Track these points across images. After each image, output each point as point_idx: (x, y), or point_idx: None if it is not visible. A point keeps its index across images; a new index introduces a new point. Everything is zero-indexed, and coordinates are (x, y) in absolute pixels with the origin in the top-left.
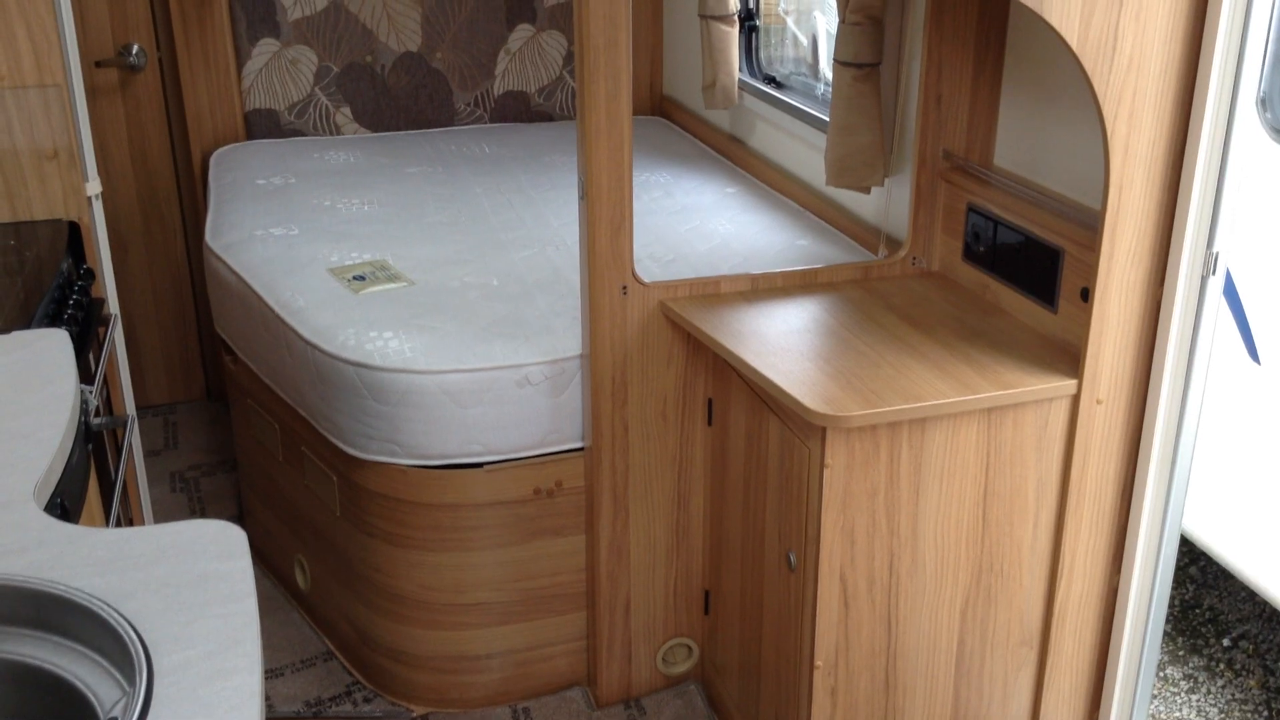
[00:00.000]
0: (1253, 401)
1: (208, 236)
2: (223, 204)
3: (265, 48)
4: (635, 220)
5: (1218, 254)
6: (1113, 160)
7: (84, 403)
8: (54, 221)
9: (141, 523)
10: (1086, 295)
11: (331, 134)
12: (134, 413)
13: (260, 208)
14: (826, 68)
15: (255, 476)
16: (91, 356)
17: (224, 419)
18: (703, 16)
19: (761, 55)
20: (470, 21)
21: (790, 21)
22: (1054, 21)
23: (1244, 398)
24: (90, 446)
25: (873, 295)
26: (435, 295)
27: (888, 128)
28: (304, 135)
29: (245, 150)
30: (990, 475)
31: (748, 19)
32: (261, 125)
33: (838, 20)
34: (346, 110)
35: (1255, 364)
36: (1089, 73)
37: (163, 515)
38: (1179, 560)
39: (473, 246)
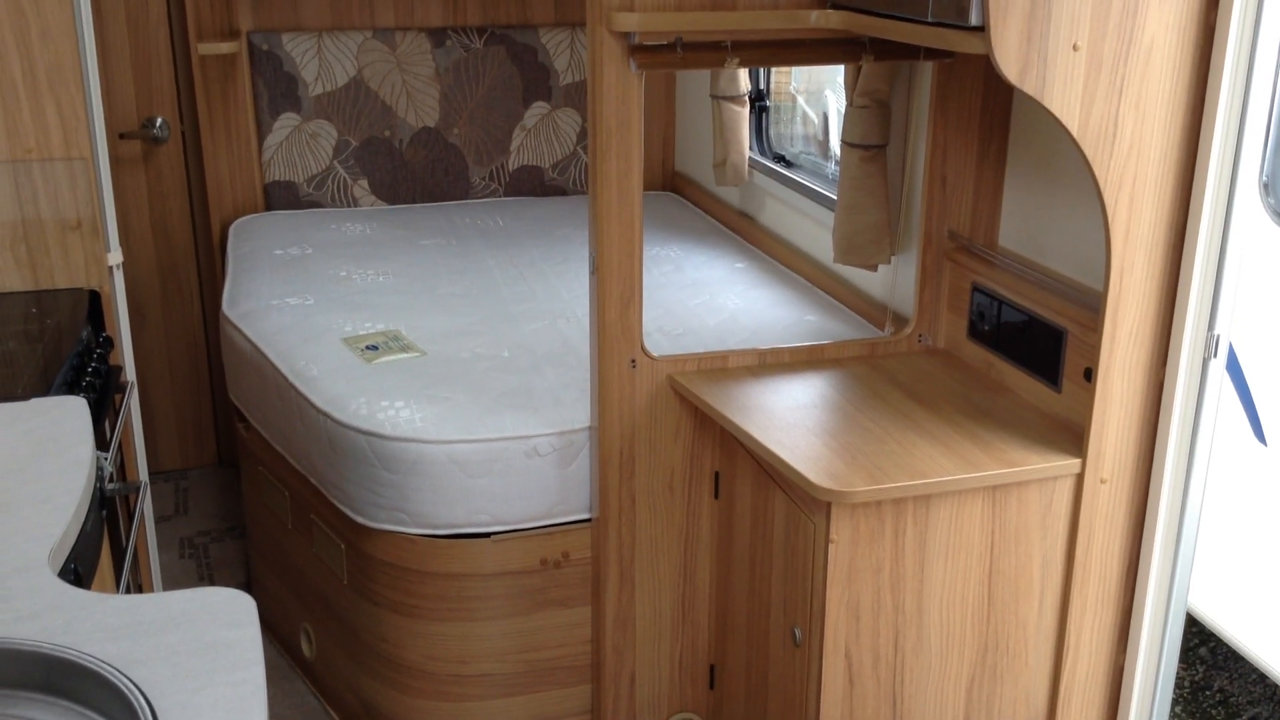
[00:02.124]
0: (1260, 481)
1: (225, 305)
2: (240, 273)
3: (286, 122)
4: (645, 294)
5: (1219, 336)
6: (1114, 244)
7: (99, 469)
8: (75, 290)
9: (151, 589)
10: (1090, 375)
11: (349, 206)
12: (147, 479)
13: (277, 277)
14: (836, 145)
15: (264, 544)
16: (108, 423)
17: (234, 485)
18: (714, 97)
19: (771, 134)
20: (487, 99)
21: (801, 100)
22: (1055, 109)
23: (1251, 477)
24: (104, 513)
25: (879, 372)
26: (447, 366)
27: (894, 207)
28: (322, 207)
29: (264, 221)
30: (995, 553)
31: (758, 99)
32: (280, 197)
33: (845, 103)
34: (364, 183)
35: (1261, 445)
36: (1090, 159)
37: (171, 582)
38: (1189, 641)
39: (484, 318)
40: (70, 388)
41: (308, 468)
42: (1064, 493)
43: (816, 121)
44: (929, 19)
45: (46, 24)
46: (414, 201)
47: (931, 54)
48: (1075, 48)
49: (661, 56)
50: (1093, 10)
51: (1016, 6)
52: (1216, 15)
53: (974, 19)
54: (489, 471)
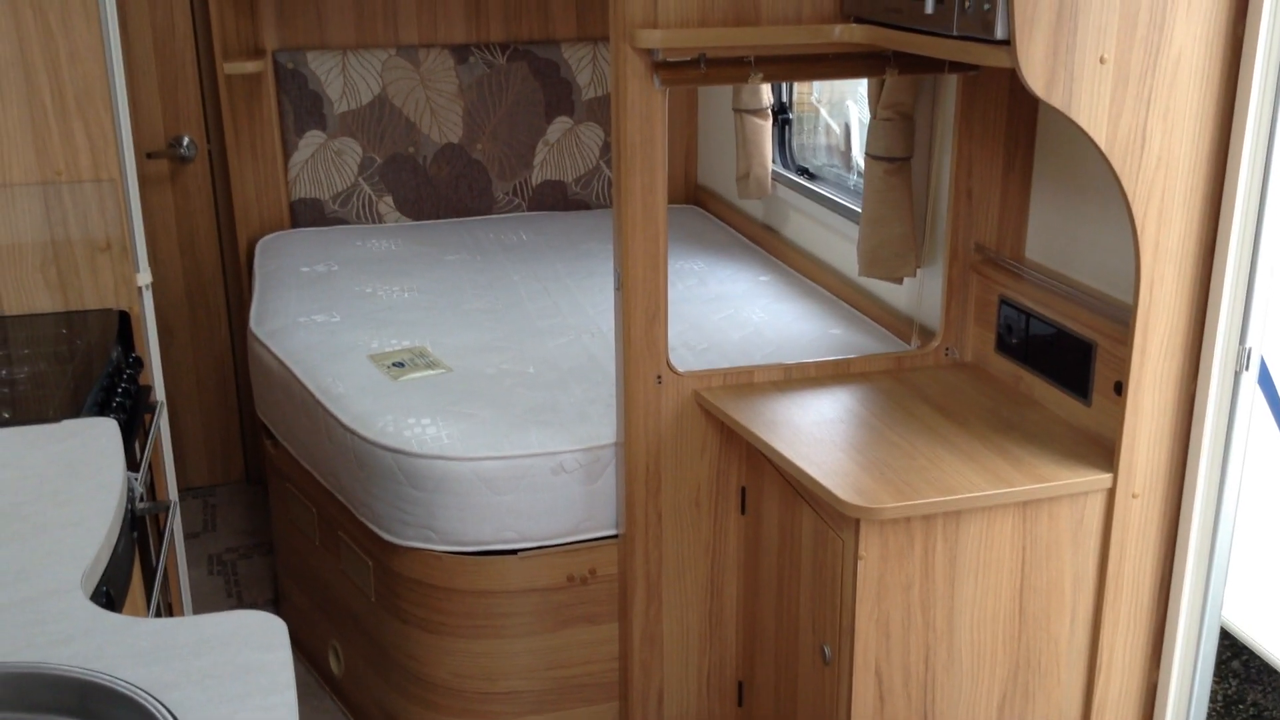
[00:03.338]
0: None
1: (252, 323)
2: (267, 291)
3: (311, 139)
4: (670, 308)
5: (1250, 349)
6: (1143, 257)
7: (130, 490)
8: (105, 311)
9: (180, 607)
10: (1120, 389)
11: (374, 222)
12: (176, 498)
13: (304, 294)
14: (859, 156)
15: (292, 561)
16: (138, 444)
17: (262, 502)
18: (737, 110)
19: (794, 147)
20: (510, 115)
21: (824, 111)
22: (1082, 122)
23: None
24: (135, 534)
25: (906, 386)
26: (472, 382)
27: (919, 220)
28: (347, 223)
29: (290, 238)
30: (1026, 569)
31: (781, 112)
32: (306, 214)
33: (869, 116)
34: (389, 199)
35: None
36: (1118, 171)
37: (200, 599)
38: (1222, 654)
39: (510, 334)
40: (101, 409)
41: (335, 485)
42: (1095, 508)
43: (839, 132)
44: (954, 33)
45: (75, 47)
46: (438, 217)
47: (956, 67)
48: (1102, 60)
49: (685, 72)
50: (1119, 22)
51: (1042, 20)
52: (1245, 26)
53: (999, 33)
54: (515, 488)
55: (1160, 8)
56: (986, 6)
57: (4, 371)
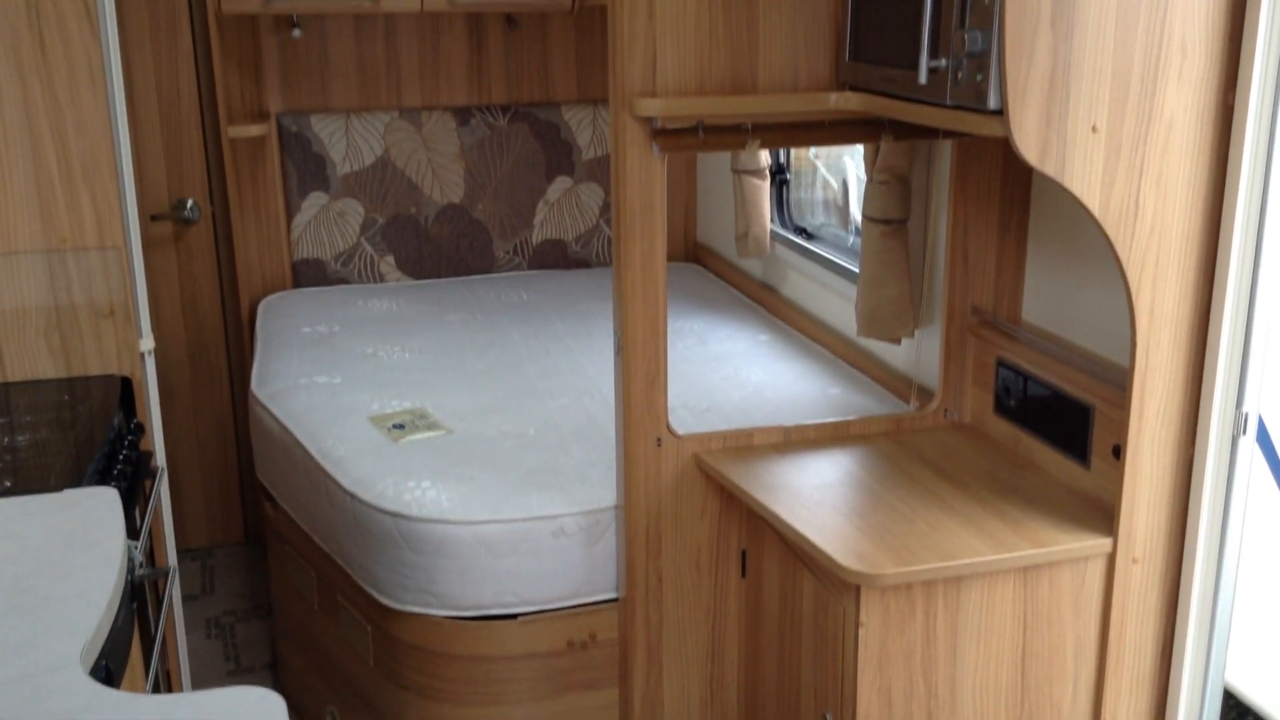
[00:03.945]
0: None
1: (253, 385)
2: (269, 352)
3: (315, 200)
4: (669, 368)
5: (1248, 414)
6: (1139, 322)
7: (129, 558)
8: (107, 377)
9: (179, 674)
10: (1118, 452)
11: (375, 281)
12: (175, 564)
13: (305, 356)
14: (856, 212)
15: (290, 624)
16: (138, 511)
17: (261, 564)
18: (735, 171)
19: (792, 207)
20: (511, 175)
21: (821, 166)
22: (1076, 190)
23: None
24: (135, 605)
25: (905, 448)
26: (473, 444)
27: (916, 281)
28: (349, 283)
29: (292, 298)
30: (1028, 635)
31: (778, 172)
32: (309, 274)
33: (866, 179)
34: (390, 259)
35: None
36: (1112, 238)
37: (198, 663)
38: (1226, 715)
39: (510, 395)
40: (102, 476)
41: (334, 548)
42: (1096, 572)
43: (836, 187)
44: (948, 102)
45: (82, 116)
46: (439, 276)
47: (950, 132)
48: (1094, 129)
49: (684, 140)
50: (1110, 92)
51: (1034, 90)
52: (1235, 94)
53: (992, 103)
54: (516, 552)
55: (1151, 77)
56: (979, 77)
57: (6, 439)
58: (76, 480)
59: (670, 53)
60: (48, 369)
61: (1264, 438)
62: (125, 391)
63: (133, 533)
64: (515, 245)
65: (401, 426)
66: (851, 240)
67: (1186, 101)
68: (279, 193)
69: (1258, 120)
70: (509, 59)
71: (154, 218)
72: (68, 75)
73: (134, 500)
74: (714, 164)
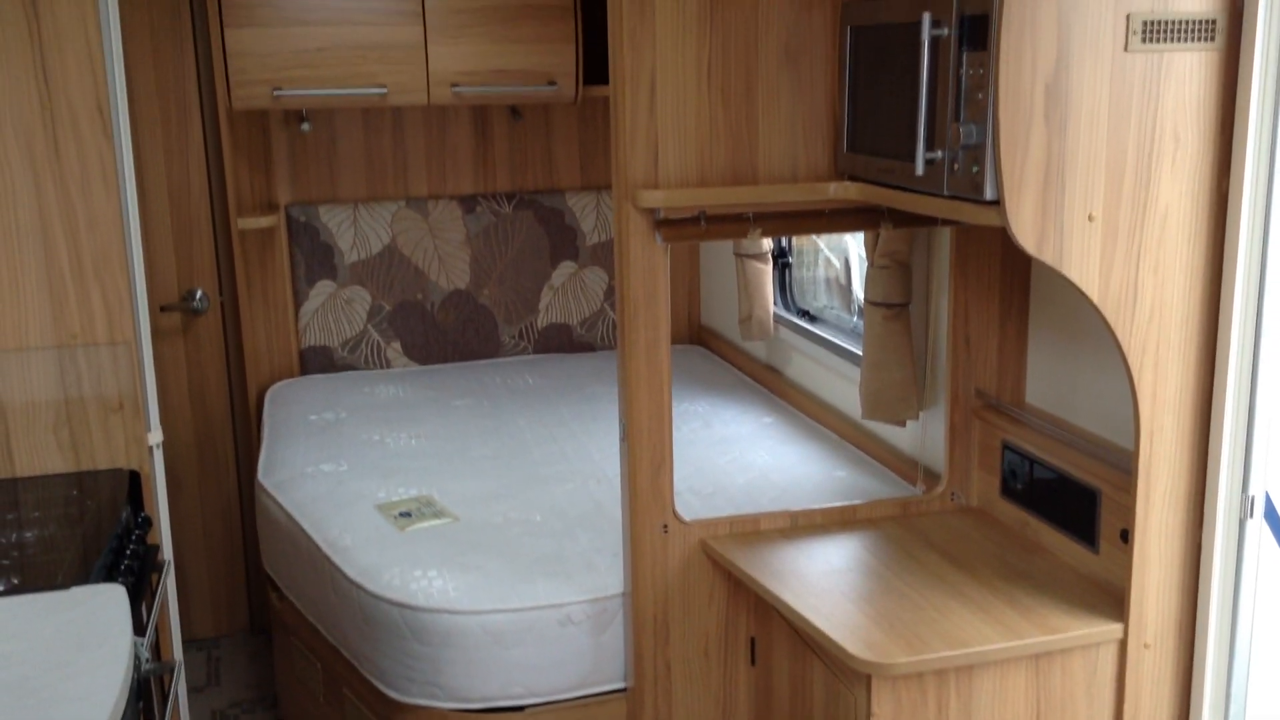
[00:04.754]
0: None
1: (260, 474)
2: (275, 440)
3: (322, 289)
4: (675, 451)
5: (1254, 497)
6: (1141, 407)
7: (136, 655)
8: (116, 471)
9: None
10: (1126, 537)
11: (382, 368)
12: (181, 658)
13: (312, 443)
14: (859, 291)
15: (295, 716)
16: (145, 606)
17: (266, 654)
18: (738, 255)
19: (795, 290)
20: (516, 261)
21: (823, 245)
22: (1074, 278)
23: None
24: (140, 704)
25: (913, 532)
26: (479, 532)
27: (920, 364)
28: (356, 369)
29: (299, 386)
30: None
31: (780, 256)
32: (316, 361)
33: (867, 264)
34: (397, 345)
35: None
36: (1112, 324)
37: None
38: None
39: (516, 481)
40: (109, 571)
41: (340, 639)
42: (1108, 659)
43: (839, 267)
44: (945, 193)
45: (94, 213)
46: (446, 361)
47: (949, 220)
48: (1091, 218)
49: (686, 229)
50: (1106, 181)
51: (1030, 181)
52: (1229, 181)
53: (989, 193)
54: (523, 641)
55: (1145, 165)
56: (975, 168)
57: (14, 535)
58: (84, 576)
59: (672, 145)
60: (57, 463)
61: (1272, 515)
62: (133, 485)
63: (139, 628)
64: (521, 329)
65: (408, 514)
66: (855, 322)
67: (1181, 189)
68: (287, 282)
69: (1252, 205)
70: (513, 148)
71: (163, 308)
72: (80, 174)
73: (141, 594)
74: (717, 248)
